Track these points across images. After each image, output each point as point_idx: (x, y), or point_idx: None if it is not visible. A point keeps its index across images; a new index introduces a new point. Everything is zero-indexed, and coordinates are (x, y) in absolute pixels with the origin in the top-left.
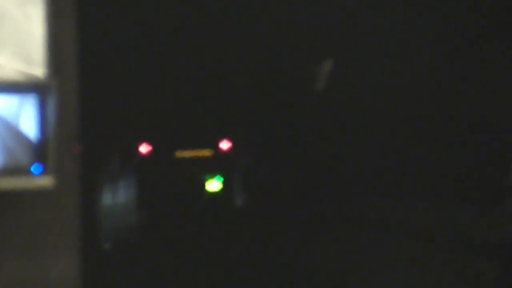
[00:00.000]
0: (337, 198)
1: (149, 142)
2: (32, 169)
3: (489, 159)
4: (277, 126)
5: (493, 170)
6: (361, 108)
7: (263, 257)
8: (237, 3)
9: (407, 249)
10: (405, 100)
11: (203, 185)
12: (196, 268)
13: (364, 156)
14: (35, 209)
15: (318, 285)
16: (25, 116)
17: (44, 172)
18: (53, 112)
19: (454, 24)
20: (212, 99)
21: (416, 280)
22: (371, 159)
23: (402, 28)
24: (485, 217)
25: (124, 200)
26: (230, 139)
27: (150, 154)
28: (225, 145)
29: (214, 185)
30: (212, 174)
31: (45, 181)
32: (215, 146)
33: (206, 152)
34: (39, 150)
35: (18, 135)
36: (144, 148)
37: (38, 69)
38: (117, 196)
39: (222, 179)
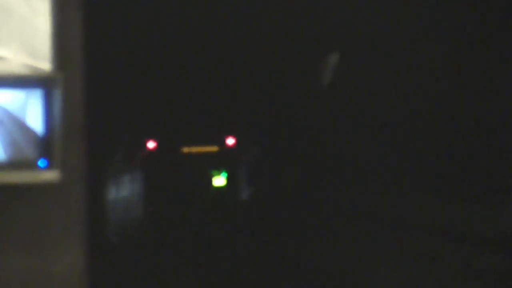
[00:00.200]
0: (341, 192)
1: (156, 138)
2: (38, 163)
3: (499, 154)
4: (281, 123)
5: (502, 165)
6: (366, 104)
7: (267, 250)
8: (240, 3)
9: (417, 244)
10: (420, 93)
11: (209, 180)
12: (200, 262)
13: (370, 152)
14: (41, 203)
15: (323, 278)
16: (31, 110)
17: (50, 166)
18: (59, 106)
19: (454, 24)
20: (217, 96)
21: (425, 275)
22: (377, 155)
23: (402, 27)
24: (493, 212)
25: (130, 194)
26: (234, 135)
27: (156, 149)
28: (230, 141)
29: (219, 180)
30: (218, 170)
31: (51, 175)
32: (221, 142)
33: (212, 148)
34: (45, 144)
35: (24, 129)
36: (151, 144)
37: (44, 63)
38: (123, 191)
39: (227, 174)
